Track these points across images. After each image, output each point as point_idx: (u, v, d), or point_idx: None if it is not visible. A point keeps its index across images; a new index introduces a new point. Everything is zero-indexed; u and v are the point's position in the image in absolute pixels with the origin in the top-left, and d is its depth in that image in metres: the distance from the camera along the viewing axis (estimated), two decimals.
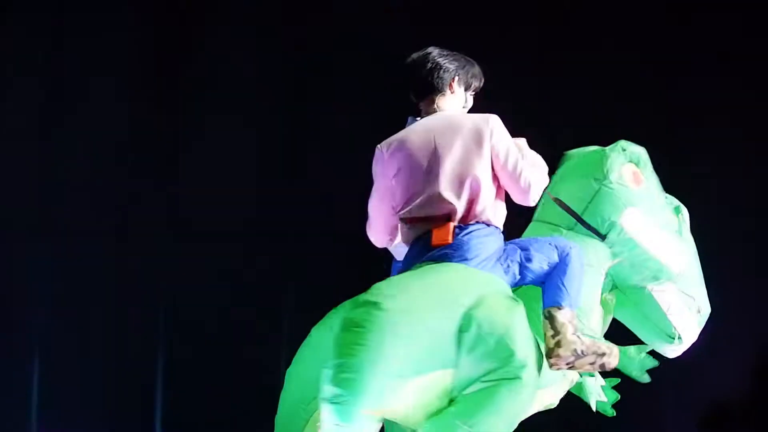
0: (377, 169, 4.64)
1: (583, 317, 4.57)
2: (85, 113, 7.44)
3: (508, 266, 4.46)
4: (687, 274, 4.84)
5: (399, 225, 4.60)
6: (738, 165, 7.30)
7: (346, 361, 4.10)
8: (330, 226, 7.23)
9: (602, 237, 4.71)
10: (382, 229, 4.67)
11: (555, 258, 4.49)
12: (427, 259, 4.44)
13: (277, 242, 7.42)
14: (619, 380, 4.80)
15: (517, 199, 4.57)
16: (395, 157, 4.57)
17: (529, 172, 4.52)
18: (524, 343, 4.26)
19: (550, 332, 4.39)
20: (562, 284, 4.45)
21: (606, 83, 7.27)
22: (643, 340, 4.90)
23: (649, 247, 4.74)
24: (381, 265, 4.83)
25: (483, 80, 4.78)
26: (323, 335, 4.44)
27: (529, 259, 4.48)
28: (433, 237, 4.44)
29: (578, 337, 4.42)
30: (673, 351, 4.91)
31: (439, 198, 4.46)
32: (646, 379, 4.83)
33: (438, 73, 4.61)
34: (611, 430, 5.30)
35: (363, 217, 4.73)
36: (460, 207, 4.45)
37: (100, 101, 7.45)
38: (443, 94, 4.64)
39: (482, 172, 4.47)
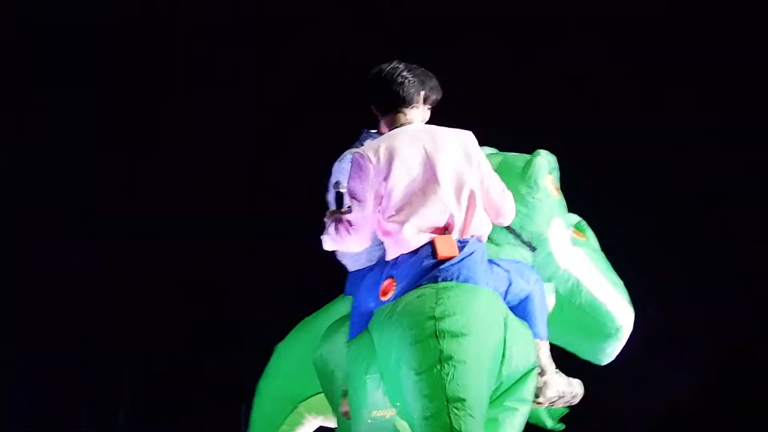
0: (366, 175, 4.48)
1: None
2: None
3: (496, 287, 4.41)
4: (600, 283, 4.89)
5: (383, 231, 4.48)
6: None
7: (461, 399, 4.04)
8: None
9: (534, 249, 4.72)
10: (368, 235, 4.53)
11: (527, 287, 4.49)
12: (437, 274, 4.32)
13: None
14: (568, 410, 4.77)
15: (496, 217, 4.53)
16: (388, 164, 4.45)
17: (506, 192, 4.51)
18: (531, 372, 4.31)
19: (537, 369, 4.38)
20: (537, 316, 4.48)
21: None
22: (579, 349, 4.88)
23: (560, 262, 4.74)
24: None
25: (440, 94, 4.71)
26: (287, 354, 4.58)
27: (510, 284, 4.45)
28: (438, 249, 4.37)
29: (560, 375, 4.45)
30: (613, 350, 4.90)
31: (441, 207, 4.41)
32: (560, 427, 4.78)
33: (407, 87, 4.58)
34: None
35: None
36: (459, 218, 4.41)
37: None
38: (412, 107, 4.60)
39: (476, 187, 4.44)
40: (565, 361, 4.71)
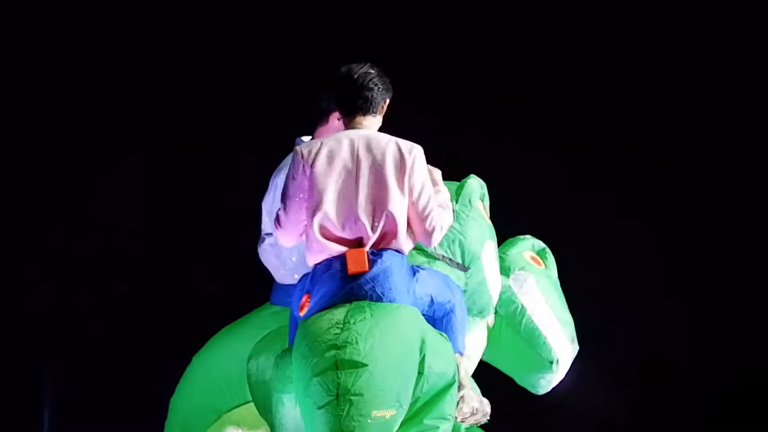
0: (296, 172, 4.45)
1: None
2: None
3: (422, 299, 4.37)
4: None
5: (306, 235, 4.44)
6: None
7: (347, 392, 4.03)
8: None
9: (466, 270, 4.69)
10: (294, 233, 4.47)
11: (452, 297, 4.46)
12: (351, 292, 4.26)
13: None
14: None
15: (419, 237, 4.42)
16: (316, 166, 4.40)
17: (437, 214, 4.40)
18: (452, 388, 4.27)
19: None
20: (459, 328, 4.43)
21: None
22: (515, 374, 4.95)
23: (490, 285, 4.73)
24: None
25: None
26: (207, 364, 4.52)
27: (438, 294, 4.42)
28: (349, 263, 4.30)
29: (474, 392, 4.44)
30: (547, 382, 4.96)
31: (356, 220, 4.34)
32: None
33: (375, 94, 4.53)
34: None
35: None
36: (374, 232, 4.33)
37: None
38: (372, 115, 4.54)
39: (398, 201, 4.35)
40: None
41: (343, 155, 4.41)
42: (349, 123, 4.54)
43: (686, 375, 7.48)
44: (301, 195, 4.41)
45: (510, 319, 4.87)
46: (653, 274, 7.53)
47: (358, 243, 4.34)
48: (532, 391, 5.01)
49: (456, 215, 4.65)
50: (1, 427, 7.26)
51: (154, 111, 7.53)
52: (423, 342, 4.21)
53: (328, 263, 4.35)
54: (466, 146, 7.35)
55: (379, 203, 4.35)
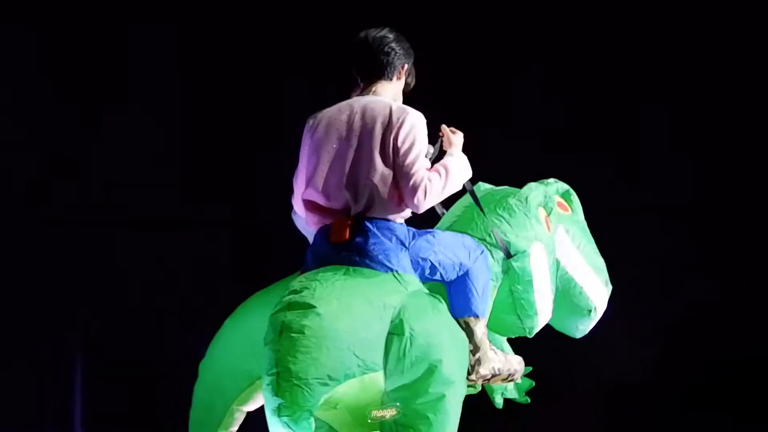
0: (303, 142, 4.49)
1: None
2: None
3: (419, 262, 4.36)
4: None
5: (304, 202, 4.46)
6: None
7: (288, 369, 3.99)
8: None
9: (510, 256, 4.68)
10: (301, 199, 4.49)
11: (466, 260, 4.41)
12: (329, 259, 4.31)
13: None
14: (531, 369, 4.88)
15: (405, 198, 4.34)
16: (316, 133, 4.42)
17: (422, 174, 4.31)
18: (451, 351, 4.25)
19: (470, 347, 4.35)
20: (476, 291, 4.39)
21: None
22: (553, 321, 4.96)
23: (536, 289, 4.72)
24: None
25: (414, 79, 4.62)
26: (239, 328, 4.49)
27: (441, 259, 4.38)
28: (331, 233, 4.32)
29: (495, 353, 4.44)
30: (586, 327, 5.03)
31: (342, 190, 4.33)
32: (525, 400, 4.91)
33: (392, 58, 4.46)
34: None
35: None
36: (359, 201, 4.31)
37: None
38: (388, 81, 4.48)
39: (382, 168, 4.30)
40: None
41: (339, 125, 4.38)
42: (364, 89, 4.49)
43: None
44: (303, 162, 4.46)
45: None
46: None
47: (347, 212, 4.34)
48: (570, 335, 5.09)
49: (508, 207, 4.72)
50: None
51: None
52: (403, 306, 4.20)
53: (319, 232, 4.40)
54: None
55: (364, 173, 4.32)
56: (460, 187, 4.52)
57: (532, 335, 4.81)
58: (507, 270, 4.67)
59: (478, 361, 4.38)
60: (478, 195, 4.74)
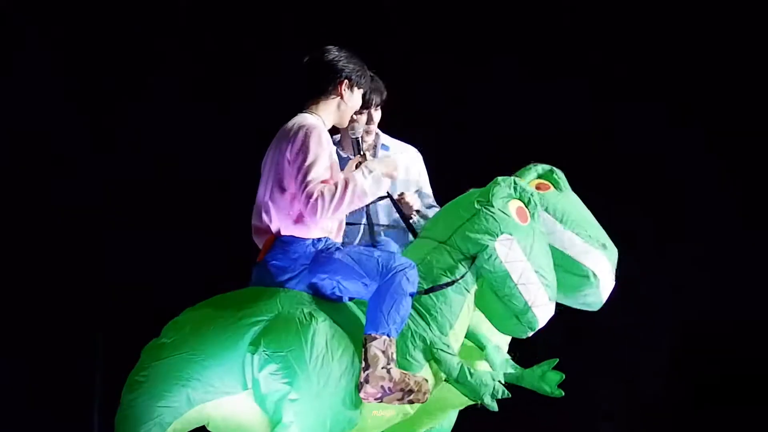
0: None
1: (442, 334, 4.56)
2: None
3: (322, 281, 4.44)
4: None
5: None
6: None
7: (124, 398, 4.36)
8: None
9: (472, 259, 4.66)
10: None
11: (374, 278, 4.39)
12: (255, 279, 4.55)
13: None
14: (558, 360, 4.89)
15: (301, 208, 4.43)
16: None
17: (314, 186, 4.36)
18: (315, 363, 4.32)
19: (362, 364, 4.36)
20: (381, 311, 4.34)
21: None
22: (564, 299, 4.94)
23: (517, 281, 4.70)
24: None
25: (384, 94, 4.80)
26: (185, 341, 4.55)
27: (342, 276, 4.42)
28: (260, 253, 4.51)
29: (388, 371, 4.33)
30: (596, 296, 4.95)
31: (258, 211, 4.51)
32: (559, 393, 4.89)
33: (316, 78, 4.59)
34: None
35: None
36: (272, 221, 4.46)
37: None
38: (324, 98, 4.58)
39: (283, 184, 4.43)
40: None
41: (270, 148, 4.55)
42: (303, 108, 4.62)
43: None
44: None
45: None
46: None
47: (267, 231, 4.51)
48: (588, 309, 5.03)
49: (470, 207, 4.72)
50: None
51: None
52: (271, 322, 4.34)
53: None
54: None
55: (269, 192, 4.47)
56: (368, 201, 4.58)
57: (536, 329, 4.78)
58: (479, 274, 4.69)
59: (366, 379, 4.35)
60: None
